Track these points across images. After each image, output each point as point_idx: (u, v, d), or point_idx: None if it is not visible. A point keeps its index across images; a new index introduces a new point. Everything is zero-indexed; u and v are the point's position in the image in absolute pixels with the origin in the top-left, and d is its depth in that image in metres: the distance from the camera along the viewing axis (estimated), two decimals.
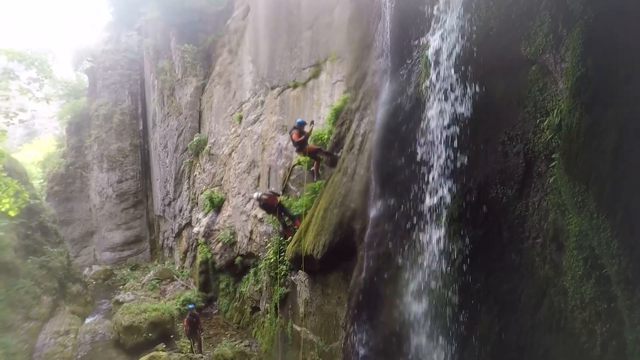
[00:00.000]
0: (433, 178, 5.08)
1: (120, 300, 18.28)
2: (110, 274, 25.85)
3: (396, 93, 5.83)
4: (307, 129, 10.75)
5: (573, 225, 3.73)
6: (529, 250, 4.35)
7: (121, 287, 22.70)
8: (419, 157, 5.29)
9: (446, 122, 5.07)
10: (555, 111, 3.94)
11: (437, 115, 5.20)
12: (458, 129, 4.95)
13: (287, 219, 11.59)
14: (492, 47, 4.68)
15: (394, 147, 5.67)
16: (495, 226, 4.67)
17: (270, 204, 11.47)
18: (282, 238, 11.98)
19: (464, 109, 4.91)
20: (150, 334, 14.28)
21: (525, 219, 4.41)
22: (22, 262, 15.67)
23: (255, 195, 11.91)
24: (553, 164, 3.98)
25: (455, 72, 4.96)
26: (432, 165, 5.11)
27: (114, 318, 15.82)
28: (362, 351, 6.75)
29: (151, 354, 12.92)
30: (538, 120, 4.21)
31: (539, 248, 4.25)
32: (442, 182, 4.99)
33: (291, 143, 13.36)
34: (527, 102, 4.30)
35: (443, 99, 5.14)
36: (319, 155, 10.31)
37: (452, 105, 5.04)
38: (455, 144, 4.94)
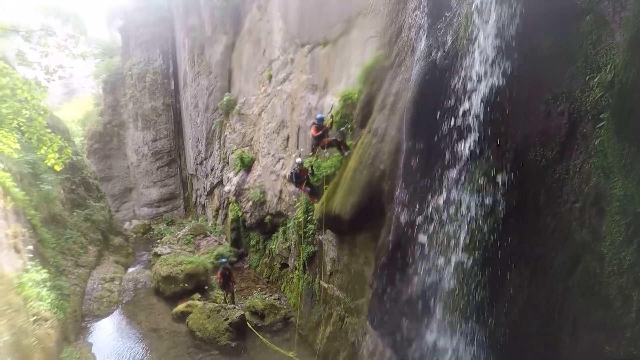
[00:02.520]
0: (469, 139, 4.89)
1: (159, 252, 19.50)
2: (148, 228, 27.47)
3: (433, 48, 5.53)
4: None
5: (618, 189, 3.54)
6: (566, 214, 4.19)
7: (159, 240, 24.14)
8: (455, 116, 5.08)
9: (485, 81, 4.80)
10: (609, 66, 3.63)
11: (475, 73, 4.92)
12: (497, 88, 4.68)
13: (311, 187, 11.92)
14: None
15: (429, 106, 5.46)
16: (531, 189, 4.51)
17: (302, 176, 11.81)
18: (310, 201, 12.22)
19: (504, 66, 4.61)
20: (186, 284, 15.28)
21: (564, 182, 4.22)
22: (68, 214, 16.89)
23: (298, 160, 12.15)
24: (601, 124, 3.72)
25: (498, 25, 4.61)
26: (469, 126, 4.91)
27: (153, 269, 16.97)
28: (388, 309, 6.94)
29: (188, 302, 13.90)
30: (588, 77, 3.90)
31: (577, 212, 4.08)
32: (479, 142, 4.80)
33: (321, 103, 13.27)
34: (577, 57, 3.97)
35: (484, 55, 4.83)
36: (336, 144, 10.83)
37: (492, 63, 4.73)
38: (494, 103, 4.70)
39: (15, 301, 8.25)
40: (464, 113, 5.03)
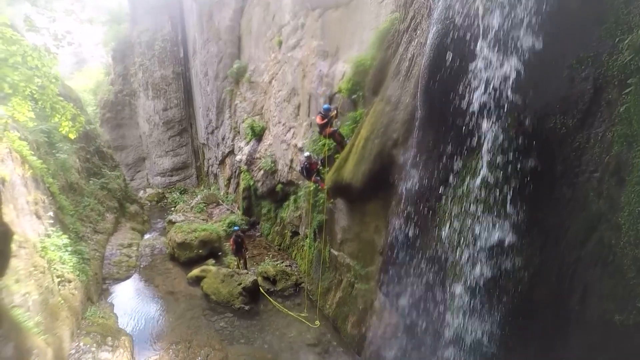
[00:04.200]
0: (486, 105, 4.74)
1: (173, 220, 19.96)
2: (162, 196, 28.00)
3: (450, 9, 5.26)
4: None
5: None
6: (583, 184, 4.11)
7: (172, 208, 24.64)
8: (471, 82, 4.91)
9: (505, 43, 4.57)
10: None
11: (494, 37, 4.69)
12: (519, 52, 4.47)
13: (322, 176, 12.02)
14: None
15: (445, 71, 5.27)
16: (548, 158, 4.40)
17: (312, 169, 11.96)
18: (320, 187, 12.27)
19: (526, 30, 4.37)
20: (200, 251, 15.72)
21: (583, 151, 4.11)
22: (85, 182, 17.25)
23: (305, 154, 12.21)
24: (628, 90, 3.56)
25: None
26: (486, 92, 4.74)
27: (168, 235, 17.43)
28: (398, 276, 7.06)
29: (202, 267, 14.34)
30: (617, 40, 3.69)
31: (595, 182, 4.00)
32: (496, 109, 4.65)
33: (332, 71, 12.98)
34: (607, 17, 3.74)
35: (505, 17, 4.58)
36: (336, 137, 11.17)
37: (512, 26, 4.49)
38: (514, 68, 4.50)
39: (40, 264, 8.59)
40: (482, 79, 4.85)
